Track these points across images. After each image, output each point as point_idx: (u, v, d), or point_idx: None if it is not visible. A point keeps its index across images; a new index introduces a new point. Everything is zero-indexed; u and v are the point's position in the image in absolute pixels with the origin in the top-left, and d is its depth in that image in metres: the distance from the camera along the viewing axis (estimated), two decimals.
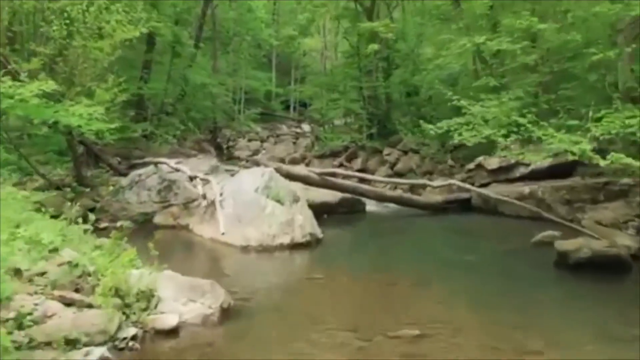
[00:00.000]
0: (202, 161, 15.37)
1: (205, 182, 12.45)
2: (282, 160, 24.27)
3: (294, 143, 35.02)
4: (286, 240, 10.67)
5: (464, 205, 15.26)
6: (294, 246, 10.69)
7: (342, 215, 14.61)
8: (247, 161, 21.65)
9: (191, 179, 12.93)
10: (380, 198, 15.62)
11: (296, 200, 11.87)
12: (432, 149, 20.56)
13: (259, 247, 10.48)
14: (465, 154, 20.09)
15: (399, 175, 20.44)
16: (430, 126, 12.15)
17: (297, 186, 13.76)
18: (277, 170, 13.02)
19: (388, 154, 21.52)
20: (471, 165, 16.25)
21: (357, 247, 11.61)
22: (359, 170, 21.29)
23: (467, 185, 15.10)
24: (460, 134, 11.48)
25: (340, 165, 22.11)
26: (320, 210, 13.92)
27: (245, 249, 10.50)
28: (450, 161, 20.25)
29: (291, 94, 41.69)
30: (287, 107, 44.04)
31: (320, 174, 14.79)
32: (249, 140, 34.91)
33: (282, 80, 44.27)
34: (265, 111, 41.39)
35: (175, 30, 21.53)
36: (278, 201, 11.30)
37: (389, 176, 19.85)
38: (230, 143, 33.91)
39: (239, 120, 36.91)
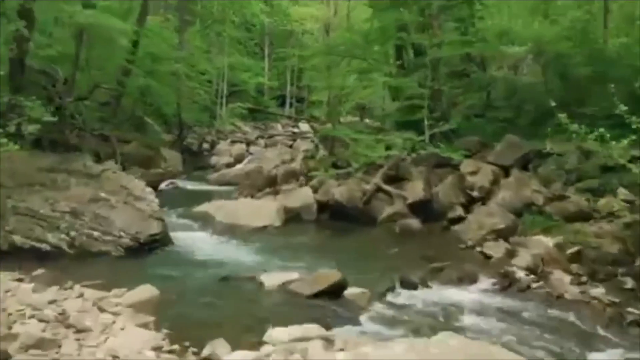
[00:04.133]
0: None
1: None
2: (274, 181, 12.09)
3: (290, 146, 22.90)
4: None
5: None
6: None
7: None
8: None
9: None
10: None
11: None
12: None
13: None
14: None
15: (518, 214, 8.32)
16: None
17: None
18: None
19: (472, 172, 9.47)
20: None
21: None
22: (422, 205, 9.24)
23: None
24: None
25: (378, 190, 10.01)
26: None
27: None
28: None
29: (287, 70, 29.07)
30: (282, 103, 31.86)
31: None
32: (232, 143, 22.69)
33: (275, 73, 32.13)
34: (256, 107, 29.21)
35: None
36: None
37: (508, 231, 7.72)
38: (205, 146, 21.88)
39: (221, 118, 24.82)
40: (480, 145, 10.71)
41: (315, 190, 10.73)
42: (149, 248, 7.47)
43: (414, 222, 8.75)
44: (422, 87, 9.78)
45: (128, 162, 14.13)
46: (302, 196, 10.34)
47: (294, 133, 26.90)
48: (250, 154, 21.39)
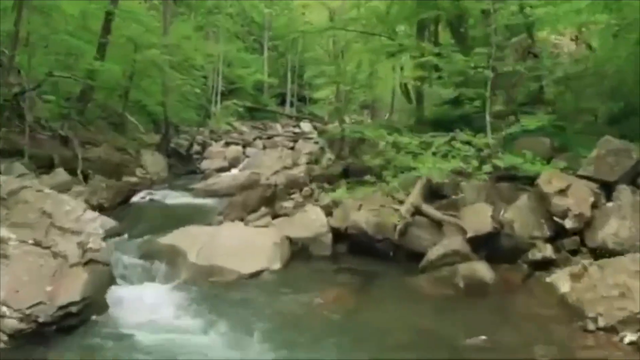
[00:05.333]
0: None
1: None
2: (271, 198, 8.63)
3: (292, 148, 19.70)
4: None
5: None
6: None
7: None
8: None
9: None
10: None
11: None
12: None
13: None
14: None
15: None
16: None
17: None
18: None
19: (560, 192, 6.16)
20: None
21: None
22: (486, 239, 5.96)
23: None
24: None
25: (416, 213, 6.73)
26: None
27: None
28: None
29: (287, 64, 25.55)
30: (282, 102, 28.58)
31: None
32: (226, 144, 19.40)
33: (275, 69, 28.89)
34: (254, 105, 25.97)
35: None
36: None
37: None
38: (197, 148, 18.57)
39: (215, 116, 21.52)
40: (553, 149, 7.47)
41: (328, 211, 7.45)
42: (57, 328, 4.20)
43: (484, 270, 5.47)
44: (486, 69, 6.53)
45: (93, 169, 10.90)
46: (310, 221, 7.06)
47: (295, 133, 23.71)
48: (247, 156, 18.14)
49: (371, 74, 14.83)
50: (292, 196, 11.35)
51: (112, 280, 5.45)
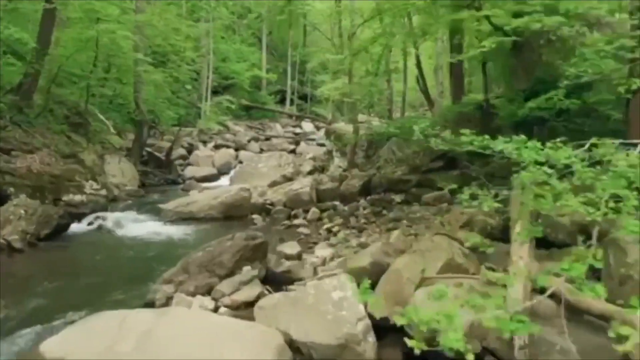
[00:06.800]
0: None
1: None
2: (261, 247, 5.05)
3: (293, 152, 16.26)
4: None
5: None
6: None
7: None
8: None
9: None
10: None
11: None
12: None
13: None
14: None
15: None
16: None
17: None
18: None
19: None
20: None
21: None
22: None
23: None
24: None
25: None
26: None
27: None
28: None
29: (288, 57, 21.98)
30: (282, 100, 24.97)
31: None
32: (216, 147, 15.85)
33: (274, 65, 25.32)
34: (250, 104, 22.39)
35: None
36: None
37: None
38: (181, 151, 14.99)
39: (206, 115, 17.93)
40: None
41: (360, 275, 3.94)
42: None
43: None
44: None
45: (17, 186, 7.41)
46: (333, 307, 3.56)
47: (296, 134, 20.19)
48: (240, 162, 14.64)
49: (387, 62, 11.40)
50: (295, 221, 7.93)
51: None
